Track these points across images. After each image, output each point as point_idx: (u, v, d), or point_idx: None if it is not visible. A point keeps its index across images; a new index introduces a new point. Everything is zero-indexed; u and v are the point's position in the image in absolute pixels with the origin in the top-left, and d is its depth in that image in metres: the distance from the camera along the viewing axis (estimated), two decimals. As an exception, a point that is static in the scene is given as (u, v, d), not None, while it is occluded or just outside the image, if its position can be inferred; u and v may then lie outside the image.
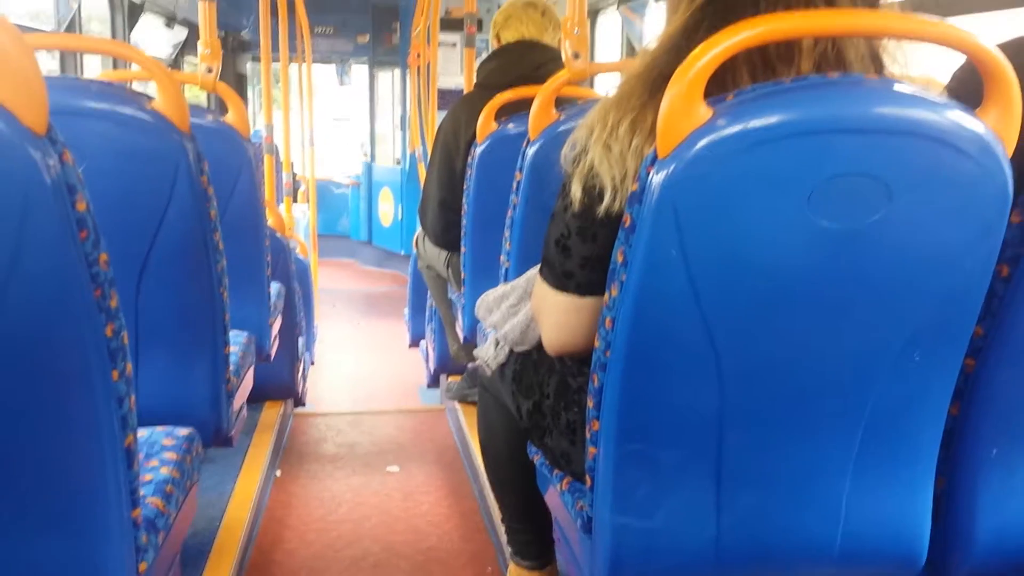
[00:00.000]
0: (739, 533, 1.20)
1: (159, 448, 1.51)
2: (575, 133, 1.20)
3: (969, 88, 1.06)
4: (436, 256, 3.03)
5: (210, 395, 1.87)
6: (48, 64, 3.85)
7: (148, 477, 1.39)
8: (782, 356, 1.11)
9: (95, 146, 1.55)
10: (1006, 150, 1.02)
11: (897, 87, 1.02)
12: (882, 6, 1.14)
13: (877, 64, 1.14)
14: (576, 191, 1.17)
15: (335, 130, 11.14)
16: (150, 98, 1.65)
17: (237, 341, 2.25)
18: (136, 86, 3.20)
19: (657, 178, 1.00)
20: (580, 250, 1.20)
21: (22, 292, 0.94)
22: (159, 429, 1.58)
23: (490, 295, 1.63)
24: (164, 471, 1.43)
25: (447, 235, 2.86)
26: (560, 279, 1.24)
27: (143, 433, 1.54)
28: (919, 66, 1.13)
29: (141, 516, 1.20)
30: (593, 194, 1.15)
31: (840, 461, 1.18)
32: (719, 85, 1.02)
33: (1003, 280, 1.14)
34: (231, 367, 1.95)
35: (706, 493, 1.18)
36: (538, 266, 1.31)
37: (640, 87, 1.15)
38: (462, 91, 3.86)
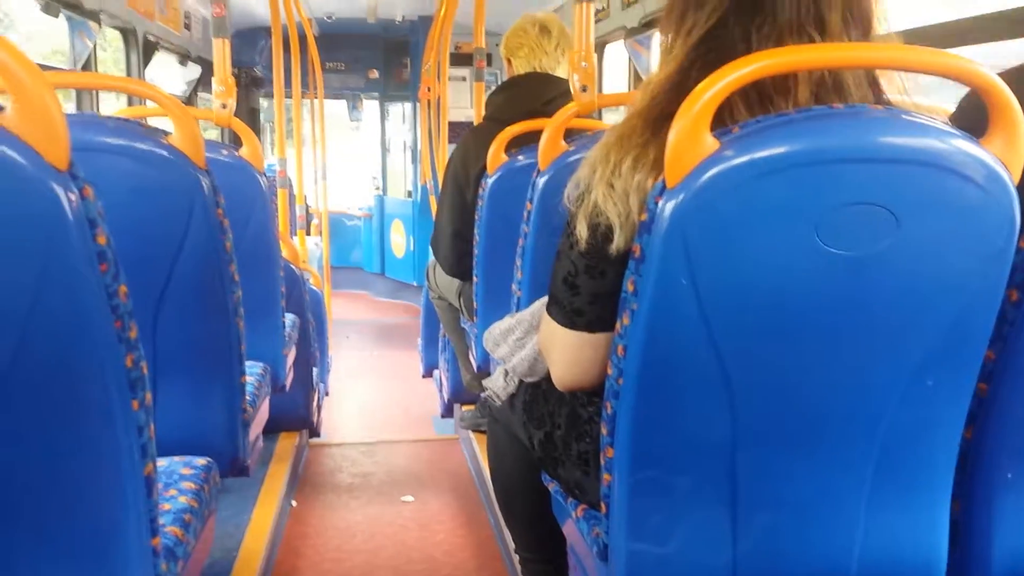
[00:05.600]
0: (755, 558, 1.20)
1: (178, 477, 1.52)
2: (578, 172, 1.20)
3: (973, 117, 1.08)
4: (448, 286, 3.04)
5: (226, 425, 1.88)
6: (65, 102, 3.91)
7: (167, 506, 1.41)
8: (793, 382, 1.11)
9: (113, 181, 1.57)
10: (1012, 177, 1.03)
11: (903, 116, 1.03)
12: (877, 36, 1.15)
13: (875, 88, 1.15)
14: (581, 229, 1.16)
15: (348, 164, 11.21)
16: (166, 133, 1.68)
17: (253, 372, 2.26)
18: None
19: (666, 208, 1.01)
20: (589, 287, 1.19)
21: (44, 323, 0.95)
22: (177, 459, 1.59)
23: (496, 329, 1.62)
24: (183, 500, 1.44)
25: (460, 264, 2.88)
26: (569, 316, 1.23)
27: (162, 463, 1.55)
28: (921, 92, 1.15)
29: (160, 545, 1.20)
30: (598, 232, 1.15)
31: (855, 486, 1.18)
32: (717, 121, 1.03)
33: (1013, 305, 1.15)
34: (247, 397, 1.96)
35: (721, 519, 1.18)
36: (543, 299, 1.31)
37: (642, 125, 1.16)
38: (472, 123, 3.89)
